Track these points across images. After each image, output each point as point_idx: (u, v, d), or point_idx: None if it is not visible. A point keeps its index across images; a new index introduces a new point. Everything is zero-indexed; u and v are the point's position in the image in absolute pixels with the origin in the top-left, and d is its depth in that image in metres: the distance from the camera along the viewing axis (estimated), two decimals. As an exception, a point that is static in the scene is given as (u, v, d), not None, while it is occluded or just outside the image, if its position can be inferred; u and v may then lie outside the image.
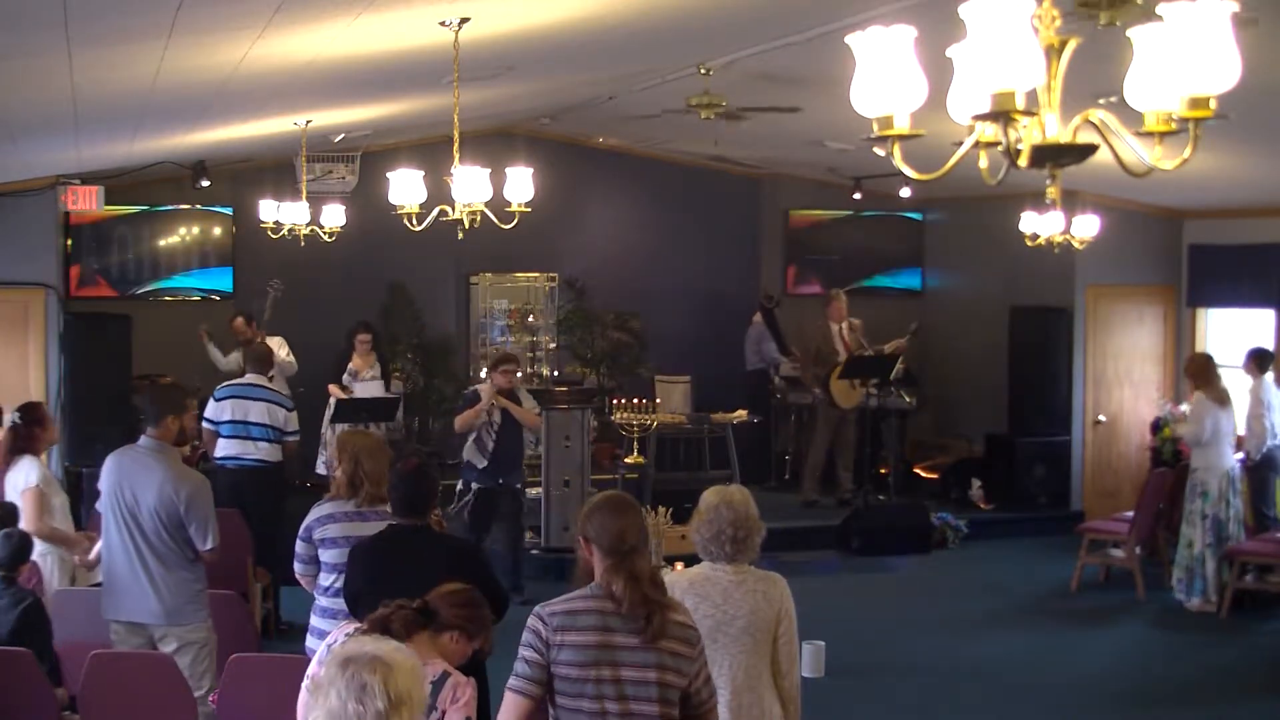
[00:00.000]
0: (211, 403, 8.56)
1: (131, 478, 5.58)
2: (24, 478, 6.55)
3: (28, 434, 6.75)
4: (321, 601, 5.16)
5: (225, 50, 5.44)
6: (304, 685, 3.49)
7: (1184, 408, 11.29)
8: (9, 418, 6.99)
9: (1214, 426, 9.08)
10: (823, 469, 12.00)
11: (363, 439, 5.47)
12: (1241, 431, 9.61)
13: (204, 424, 8.54)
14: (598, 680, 3.32)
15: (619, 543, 3.39)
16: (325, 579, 5.13)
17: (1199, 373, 9.37)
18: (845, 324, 11.86)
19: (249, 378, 8.70)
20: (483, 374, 10.63)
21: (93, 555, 6.34)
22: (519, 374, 9.43)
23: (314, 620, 5.19)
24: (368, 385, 10.51)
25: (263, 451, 8.42)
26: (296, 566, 5.30)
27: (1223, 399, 9.17)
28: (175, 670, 5.23)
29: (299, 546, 5.22)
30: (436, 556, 4.49)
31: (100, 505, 5.85)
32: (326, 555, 5.13)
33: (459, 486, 9.04)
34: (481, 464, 8.90)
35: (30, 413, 6.87)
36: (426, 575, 4.00)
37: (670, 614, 3.41)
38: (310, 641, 5.12)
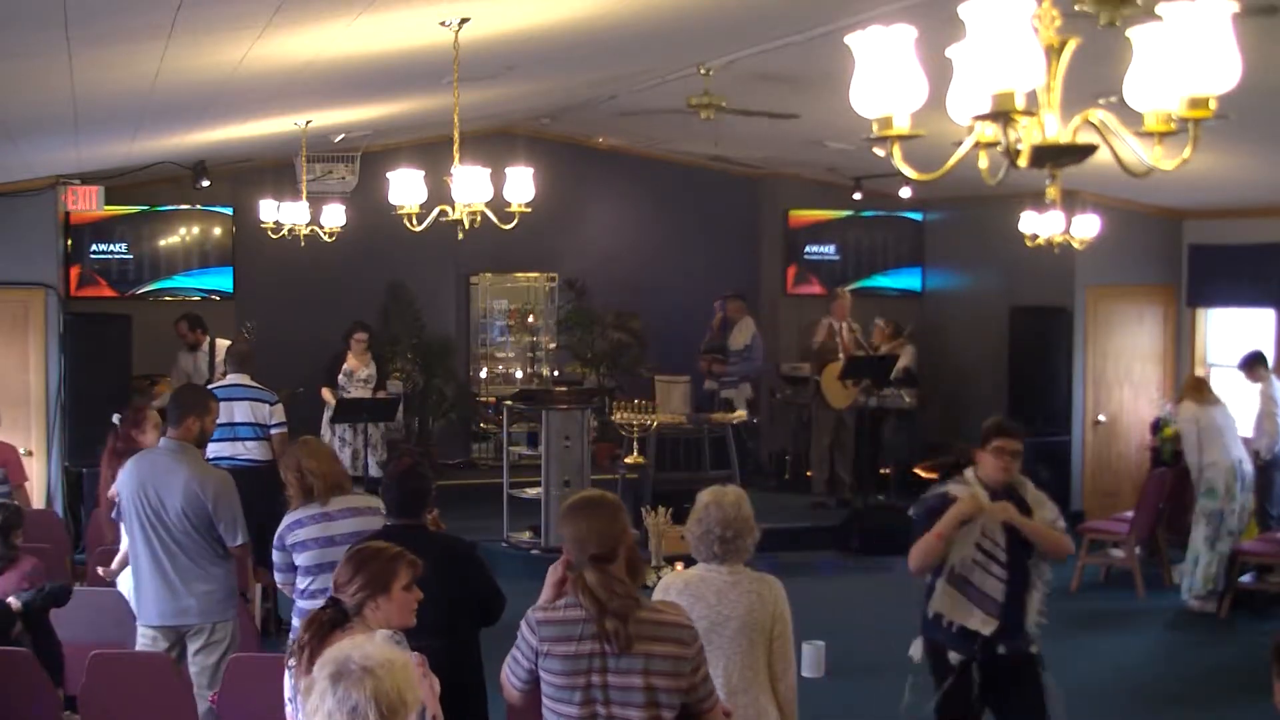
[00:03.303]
0: None
1: (155, 480, 5.57)
2: None
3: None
4: (301, 603, 5.20)
5: (225, 50, 5.44)
6: (286, 668, 3.49)
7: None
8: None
9: (1203, 427, 9.04)
10: (829, 469, 11.98)
11: (299, 446, 5.50)
12: (1244, 432, 9.59)
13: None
14: (586, 687, 3.33)
15: (579, 552, 3.39)
16: (302, 581, 5.18)
17: (1188, 389, 9.39)
18: (846, 324, 11.85)
19: (231, 378, 8.73)
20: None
21: (115, 564, 6.34)
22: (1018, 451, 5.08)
23: (295, 624, 5.24)
24: (360, 387, 10.49)
25: (252, 451, 8.45)
26: (275, 576, 5.35)
27: (1208, 400, 9.15)
28: (175, 670, 5.24)
29: (275, 556, 5.27)
30: (431, 557, 4.49)
31: (118, 513, 5.87)
32: (301, 559, 5.18)
33: (916, 653, 5.35)
34: (980, 622, 5.03)
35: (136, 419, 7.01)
36: (421, 576, 3.99)
37: (649, 617, 3.37)
38: None
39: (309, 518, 5.20)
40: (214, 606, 5.59)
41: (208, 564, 5.58)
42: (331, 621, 3.46)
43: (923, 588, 5.19)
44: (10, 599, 5.63)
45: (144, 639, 5.63)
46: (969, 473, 5.12)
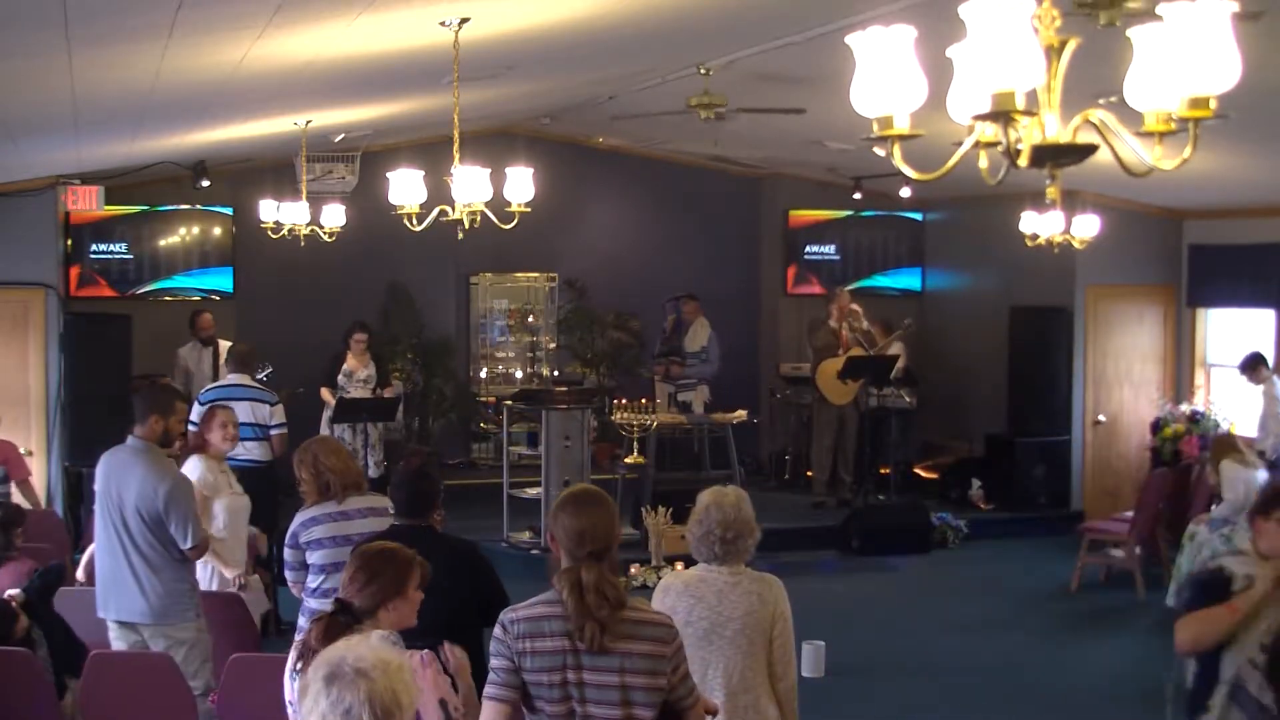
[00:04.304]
0: (196, 406, 8.54)
1: (118, 477, 5.59)
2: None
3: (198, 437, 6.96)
4: (310, 603, 5.16)
5: (225, 50, 5.44)
6: (287, 670, 3.48)
7: (1183, 407, 11.27)
8: None
9: (1252, 489, 8.86)
10: (830, 469, 11.97)
11: (317, 443, 5.48)
12: (1249, 433, 9.57)
13: (189, 428, 8.53)
14: (563, 684, 3.28)
15: (577, 546, 3.32)
16: (313, 580, 5.16)
17: (1226, 449, 9.17)
18: (847, 322, 11.82)
19: (231, 378, 8.72)
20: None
21: (84, 559, 6.34)
22: None
23: (301, 622, 5.19)
24: (360, 387, 10.50)
25: (251, 451, 8.43)
26: (287, 574, 5.32)
27: (1248, 461, 8.99)
28: (175, 670, 5.23)
29: (287, 554, 5.25)
30: (437, 557, 4.49)
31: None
32: (315, 557, 5.16)
33: None
34: None
35: (204, 417, 7.04)
36: (430, 576, 3.99)
37: (627, 615, 3.29)
38: None
39: (324, 515, 5.18)
40: (170, 607, 5.55)
41: (163, 566, 5.54)
42: (344, 625, 3.44)
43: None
44: (11, 591, 5.62)
45: (110, 632, 5.64)
46: (1245, 543, 4.21)
